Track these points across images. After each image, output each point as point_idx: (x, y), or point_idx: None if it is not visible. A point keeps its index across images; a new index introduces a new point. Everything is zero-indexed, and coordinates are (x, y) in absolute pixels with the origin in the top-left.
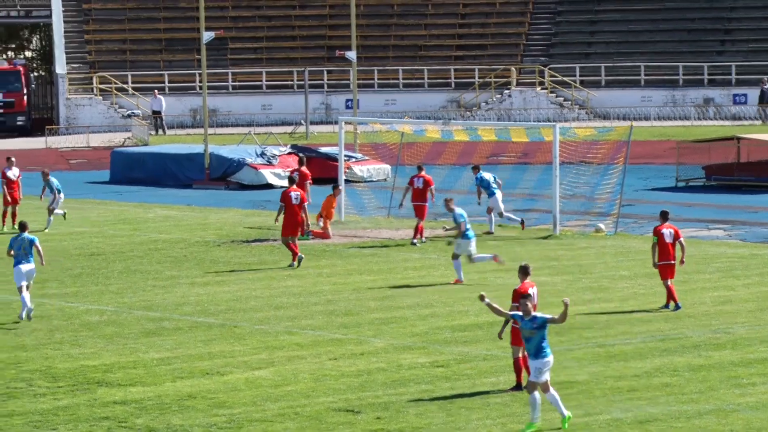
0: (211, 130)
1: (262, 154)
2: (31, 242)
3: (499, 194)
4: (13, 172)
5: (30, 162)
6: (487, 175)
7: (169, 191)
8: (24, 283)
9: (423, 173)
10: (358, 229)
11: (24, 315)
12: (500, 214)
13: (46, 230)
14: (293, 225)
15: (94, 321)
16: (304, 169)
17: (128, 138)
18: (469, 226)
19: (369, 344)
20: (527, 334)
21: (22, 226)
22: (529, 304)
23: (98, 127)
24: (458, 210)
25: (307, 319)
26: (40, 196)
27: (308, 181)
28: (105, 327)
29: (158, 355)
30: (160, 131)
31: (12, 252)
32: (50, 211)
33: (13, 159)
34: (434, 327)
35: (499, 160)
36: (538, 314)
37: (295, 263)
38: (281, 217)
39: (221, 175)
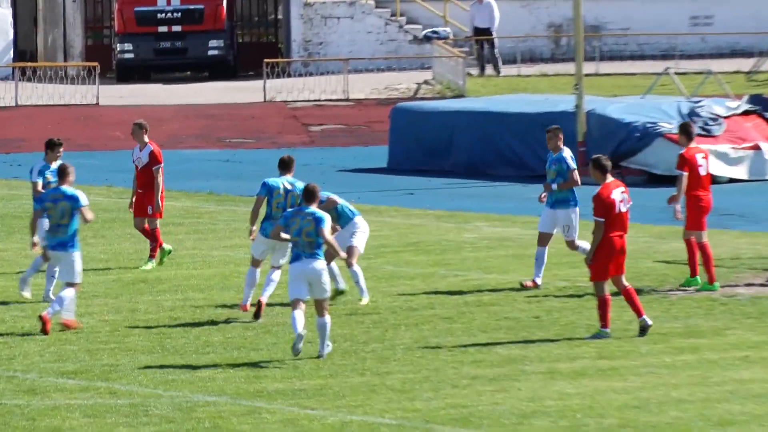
0: (589, 67)
1: (693, 114)
2: (317, 222)
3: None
4: (141, 155)
5: (232, 129)
6: (567, 153)
7: (504, 188)
8: (303, 298)
9: None
10: None
11: (295, 346)
12: (570, 244)
13: (264, 299)
14: (617, 255)
15: None
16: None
17: (425, 82)
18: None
19: None
20: None
21: (310, 193)
22: None
23: (365, 62)
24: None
25: None
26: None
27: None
28: None
29: None
30: (489, 68)
31: (286, 233)
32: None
33: (143, 124)
34: None
35: None
36: None
37: (642, 328)
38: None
39: (610, 154)
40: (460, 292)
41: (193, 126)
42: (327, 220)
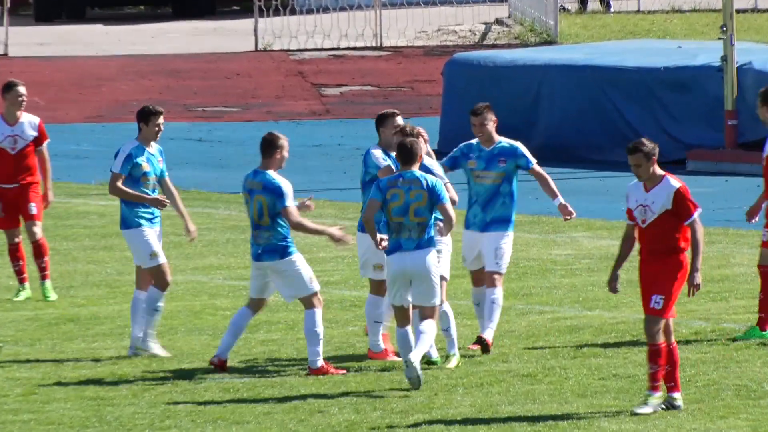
0: None
1: None
2: (433, 194)
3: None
4: (20, 131)
5: (208, 92)
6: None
7: (615, 180)
8: (408, 305)
9: None
10: None
11: (410, 376)
12: (492, 280)
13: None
14: None
15: None
16: None
17: (496, 22)
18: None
19: None
20: None
21: (408, 152)
22: None
23: None
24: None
25: None
26: None
27: None
28: None
29: None
30: (593, 0)
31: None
32: None
33: (19, 92)
34: None
35: None
36: None
37: (669, 406)
38: None
39: None
40: (547, 337)
41: (149, 87)
42: (445, 190)
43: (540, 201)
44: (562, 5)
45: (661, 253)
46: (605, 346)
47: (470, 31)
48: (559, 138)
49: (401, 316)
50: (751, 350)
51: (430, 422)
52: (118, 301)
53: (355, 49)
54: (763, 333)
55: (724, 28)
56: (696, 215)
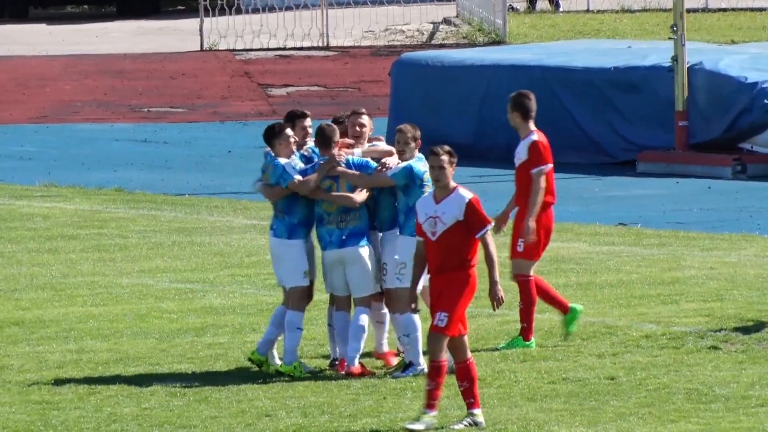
0: None
1: None
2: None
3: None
4: None
5: (153, 92)
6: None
7: (564, 182)
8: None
9: None
10: None
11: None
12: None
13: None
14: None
15: None
16: None
17: (444, 22)
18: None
19: None
20: None
21: (323, 137)
22: None
23: None
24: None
25: None
26: None
27: None
28: None
29: None
30: (541, 1)
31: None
32: None
33: None
34: None
35: None
36: None
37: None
38: None
39: (725, 130)
40: (496, 340)
41: (94, 87)
42: (370, 161)
43: (489, 202)
44: (510, 5)
45: (450, 267)
46: (555, 349)
47: (418, 30)
48: (508, 138)
49: (339, 301)
50: (702, 354)
51: (379, 427)
52: (63, 304)
53: (301, 49)
54: (526, 343)
55: (675, 28)
56: (487, 229)
